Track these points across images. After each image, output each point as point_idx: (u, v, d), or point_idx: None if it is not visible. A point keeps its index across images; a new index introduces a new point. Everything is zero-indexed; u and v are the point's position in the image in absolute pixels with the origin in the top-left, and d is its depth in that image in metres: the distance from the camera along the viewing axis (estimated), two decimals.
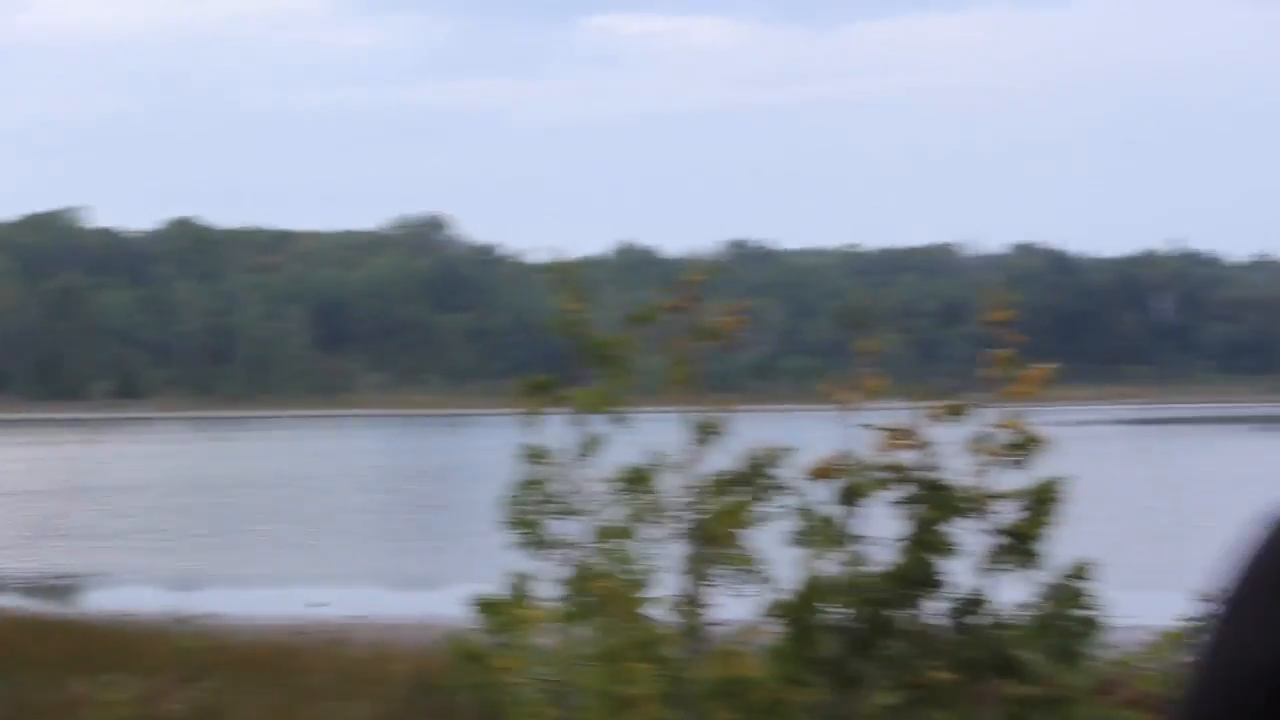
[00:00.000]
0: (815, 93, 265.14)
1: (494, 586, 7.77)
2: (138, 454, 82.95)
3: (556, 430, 7.70)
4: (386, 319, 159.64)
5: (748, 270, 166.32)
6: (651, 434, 7.72)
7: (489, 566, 8.15)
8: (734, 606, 7.85)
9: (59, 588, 34.61)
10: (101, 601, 31.39)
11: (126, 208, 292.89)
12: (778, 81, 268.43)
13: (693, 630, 7.48)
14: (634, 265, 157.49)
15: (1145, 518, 43.28)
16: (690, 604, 7.44)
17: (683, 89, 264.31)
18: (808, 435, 8.44)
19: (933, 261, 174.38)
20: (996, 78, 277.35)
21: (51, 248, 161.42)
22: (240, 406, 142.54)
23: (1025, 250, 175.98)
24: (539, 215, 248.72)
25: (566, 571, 7.39)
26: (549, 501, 7.34)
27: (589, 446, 7.33)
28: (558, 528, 7.41)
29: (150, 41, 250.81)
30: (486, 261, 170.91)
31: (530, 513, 7.30)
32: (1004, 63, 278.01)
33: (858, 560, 7.36)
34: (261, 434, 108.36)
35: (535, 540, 7.34)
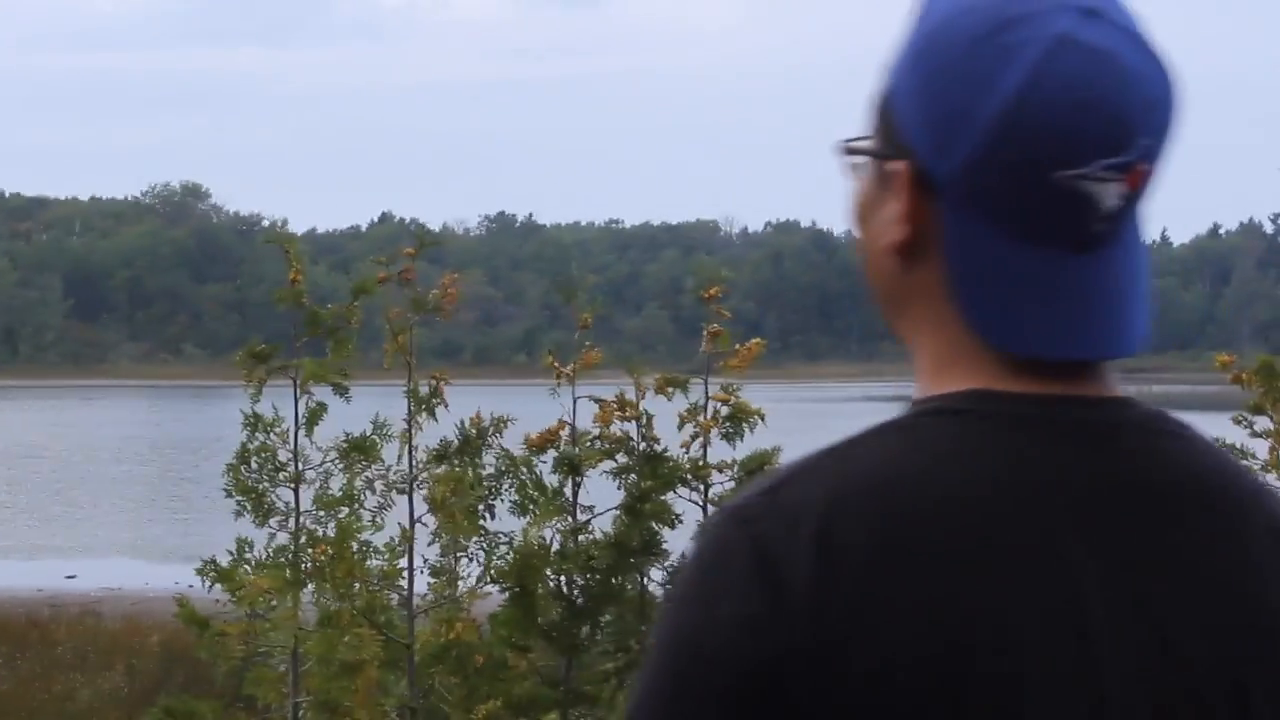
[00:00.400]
0: (578, 68, 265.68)
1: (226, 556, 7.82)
2: None
3: (282, 400, 7.77)
4: (143, 289, 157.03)
5: (510, 244, 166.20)
6: (374, 405, 7.81)
7: (231, 537, 8.19)
8: (456, 573, 7.98)
9: None
10: None
11: None
12: (540, 56, 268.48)
13: (413, 596, 7.60)
14: (394, 237, 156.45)
15: None
16: (409, 570, 7.56)
17: (444, 62, 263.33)
18: (536, 408, 8.59)
19: (694, 239, 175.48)
20: (759, 57, 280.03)
21: None
22: None
23: (786, 229, 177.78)
24: (299, 186, 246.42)
25: (288, 539, 7.48)
26: (272, 469, 7.42)
27: (312, 416, 7.42)
28: (280, 496, 7.49)
29: None
30: (245, 232, 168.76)
31: (253, 481, 7.38)
32: (768, 43, 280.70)
33: (578, 529, 7.54)
34: (13, 404, 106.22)
35: (258, 508, 7.41)
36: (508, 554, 7.46)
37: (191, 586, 8.36)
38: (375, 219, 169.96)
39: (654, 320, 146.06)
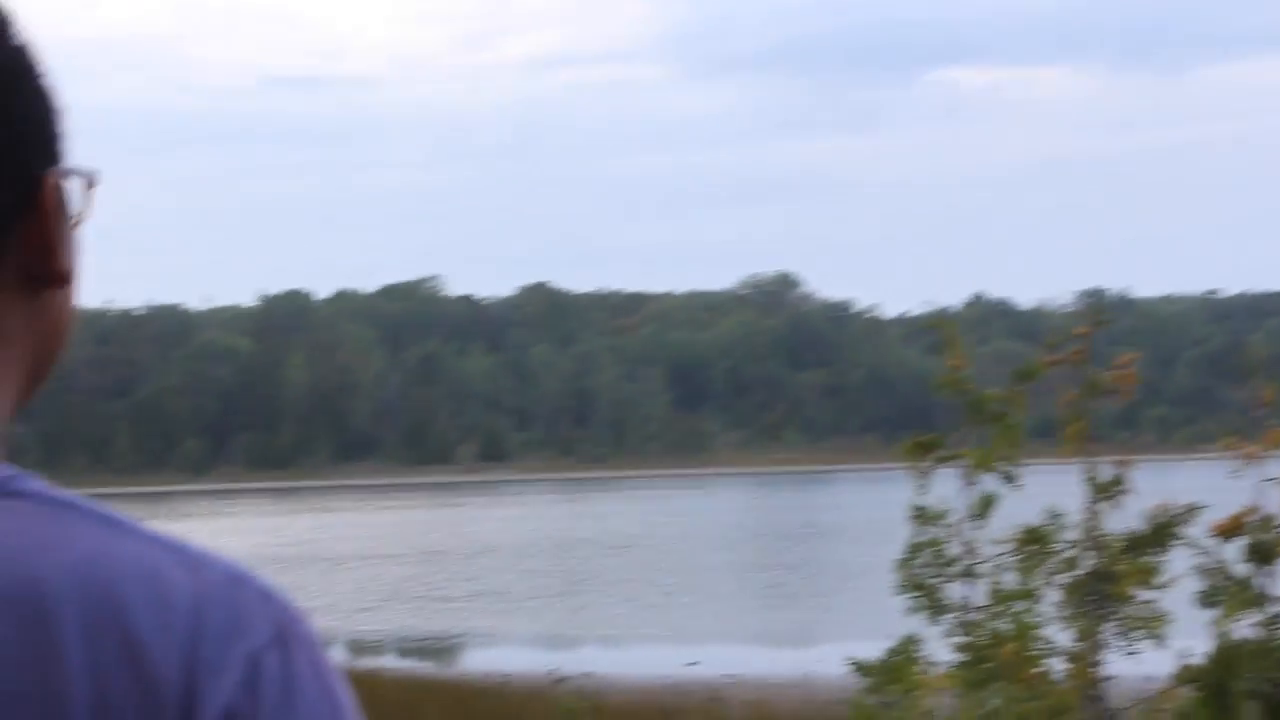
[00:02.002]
0: (1164, 138, 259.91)
1: (871, 646, 7.60)
2: (501, 516, 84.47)
3: (943, 489, 7.51)
4: (741, 377, 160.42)
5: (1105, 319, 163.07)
6: (1040, 491, 7.48)
7: (861, 625, 7.95)
8: (1136, 670, 7.56)
9: (433, 649, 35.27)
10: (476, 662, 31.88)
11: (481, 275, 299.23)
12: (1124, 128, 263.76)
13: (1096, 696, 7.20)
14: (987, 318, 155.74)
15: None
16: (1093, 668, 7.16)
17: (1027, 139, 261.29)
18: (1198, 488, 8.12)
19: None
20: None
21: (412, 316, 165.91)
22: (600, 467, 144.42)
23: None
24: (887, 271, 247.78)
25: (962, 635, 7.18)
26: (943, 564, 7.15)
27: (982, 506, 7.12)
28: (952, 591, 7.20)
29: (494, 116, 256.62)
30: (838, 318, 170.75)
31: (924, 575, 7.12)
32: None
33: (1274, 622, 7.02)
34: (622, 494, 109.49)
35: (930, 604, 7.14)
36: (1196, 651, 7.00)
37: (822, 676, 8.13)
38: (967, 299, 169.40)
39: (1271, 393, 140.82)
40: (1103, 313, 7.55)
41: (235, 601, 1.29)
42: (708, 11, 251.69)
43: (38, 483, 1.31)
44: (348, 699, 1.30)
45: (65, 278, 1.36)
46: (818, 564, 50.41)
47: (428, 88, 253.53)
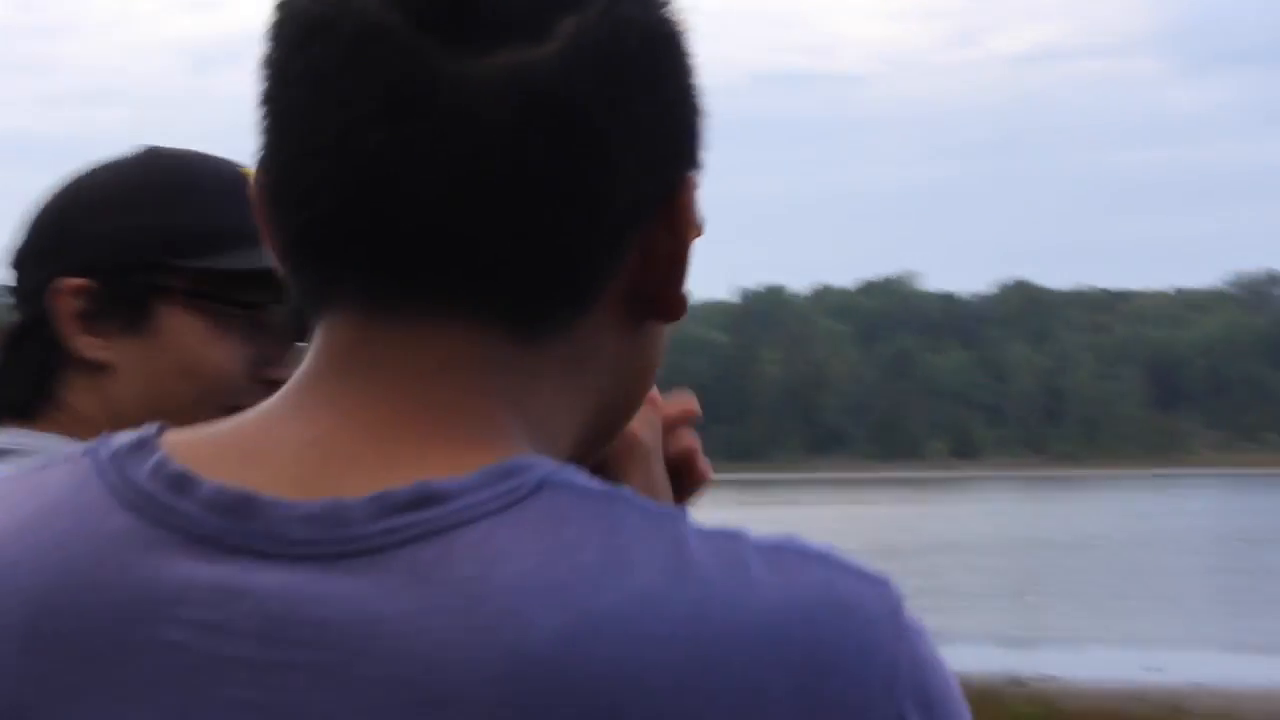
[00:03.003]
0: None
1: None
2: (968, 514, 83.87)
3: None
4: (1221, 377, 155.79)
5: None
6: None
7: None
8: None
9: None
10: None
11: (960, 272, 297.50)
12: None
13: None
14: None
15: None
16: None
17: None
18: None
19: None
20: None
21: (888, 311, 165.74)
22: (1072, 465, 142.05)
23: None
24: None
25: None
26: None
27: None
28: None
29: (982, 113, 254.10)
30: None
31: None
32: None
33: None
34: (1092, 493, 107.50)
35: None
36: None
37: None
38: None
39: None
40: None
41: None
42: (1208, 4, 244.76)
43: (571, 470, 1.05)
44: None
45: (680, 309, 1.14)
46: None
47: (917, 84, 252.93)
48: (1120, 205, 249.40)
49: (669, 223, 1.11)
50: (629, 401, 1.17)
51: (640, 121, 1.08)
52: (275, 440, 1.07)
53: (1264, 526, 69.60)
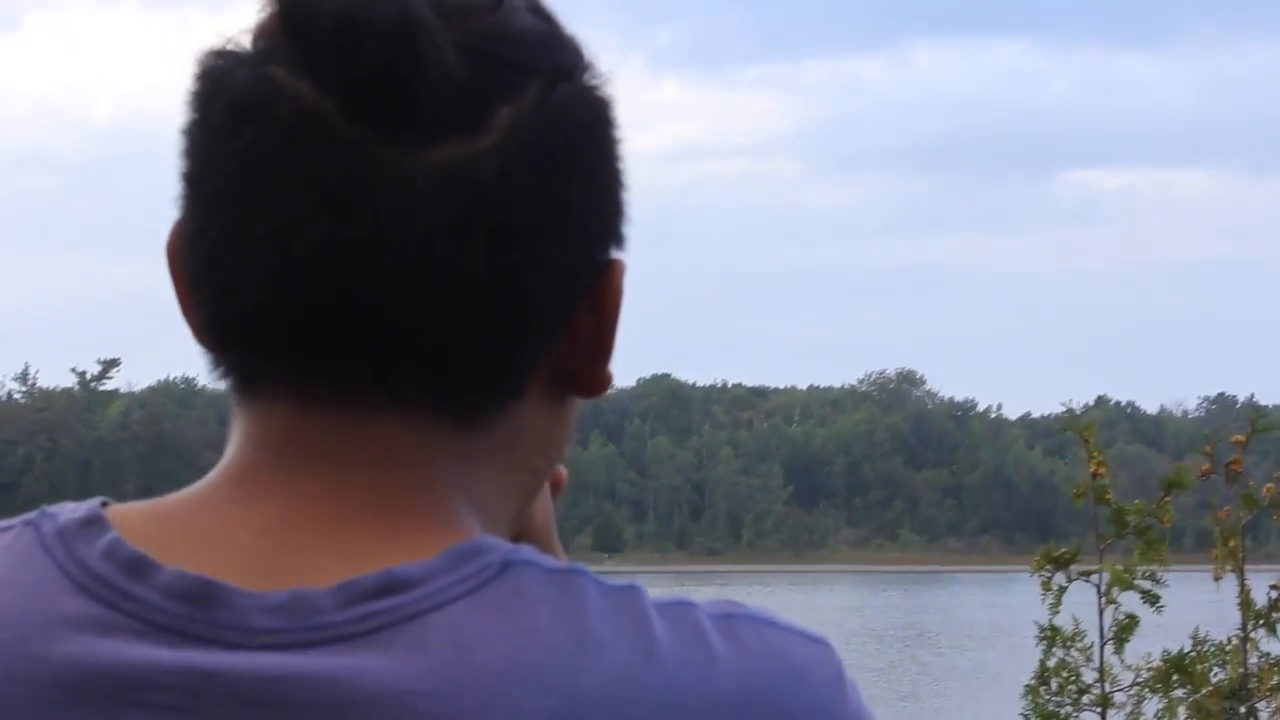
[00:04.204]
0: None
1: None
2: None
3: (1075, 607, 6.83)
4: (859, 474, 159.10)
5: (1232, 426, 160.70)
6: (1181, 608, 6.80)
7: None
8: None
9: None
10: None
11: None
12: (1263, 233, 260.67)
13: None
14: (1111, 420, 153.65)
15: None
16: None
17: (1161, 242, 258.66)
18: None
19: None
20: None
21: None
22: (715, 560, 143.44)
23: None
24: (1011, 371, 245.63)
25: None
26: (1075, 691, 6.45)
27: (1121, 630, 6.42)
28: None
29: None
30: (960, 417, 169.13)
31: (1054, 705, 6.43)
32: None
33: None
34: (733, 588, 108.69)
35: None
36: None
37: None
38: (1090, 402, 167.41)
39: None
40: (1261, 418, 6.85)
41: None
42: (841, 109, 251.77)
43: (530, 550, 1.06)
44: None
45: (604, 387, 1.15)
46: (915, 667, 49.52)
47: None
48: (760, 304, 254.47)
49: (594, 302, 1.12)
50: (550, 472, 1.20)
51: (574, 210, 1.08)
52: (226, 526, 1.04)
53: (892, 623, 70.83)
